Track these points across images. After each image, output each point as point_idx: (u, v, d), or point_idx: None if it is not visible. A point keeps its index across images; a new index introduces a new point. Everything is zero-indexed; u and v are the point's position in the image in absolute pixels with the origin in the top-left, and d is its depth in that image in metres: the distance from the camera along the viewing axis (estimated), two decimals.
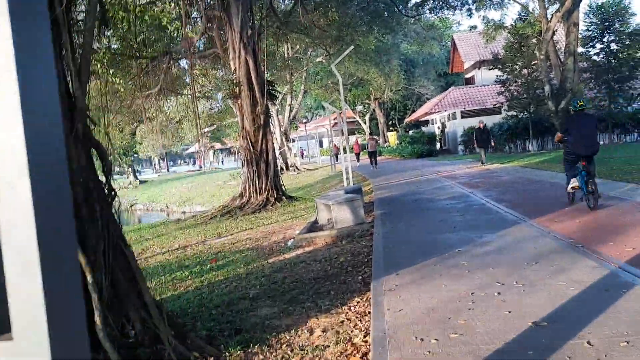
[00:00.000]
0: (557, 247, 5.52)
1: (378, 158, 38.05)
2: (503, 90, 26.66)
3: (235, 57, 15.99)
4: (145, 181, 53.19)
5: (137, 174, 67.17)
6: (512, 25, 25.63)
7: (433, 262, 5.28)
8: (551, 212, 7.63)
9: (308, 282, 5.56)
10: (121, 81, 19.29)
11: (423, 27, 27.44)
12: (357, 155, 31.85)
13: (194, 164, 74.33)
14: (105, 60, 17.67)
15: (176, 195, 36.58)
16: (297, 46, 30.80)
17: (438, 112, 35.07)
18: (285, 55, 28.77)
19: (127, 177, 52.76)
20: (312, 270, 6.13)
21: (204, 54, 20.84)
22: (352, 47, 14.76)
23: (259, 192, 15.84)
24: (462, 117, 33.40)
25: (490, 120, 31.15)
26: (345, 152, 14.78)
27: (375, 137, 33.17)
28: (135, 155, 52.45)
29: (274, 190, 15.97)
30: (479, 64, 37.37)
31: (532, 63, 25.41)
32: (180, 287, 6.69)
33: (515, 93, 25.83)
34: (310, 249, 7.83)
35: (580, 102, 8.16)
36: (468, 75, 40.70)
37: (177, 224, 15.12)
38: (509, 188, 11.75)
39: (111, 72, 16.92)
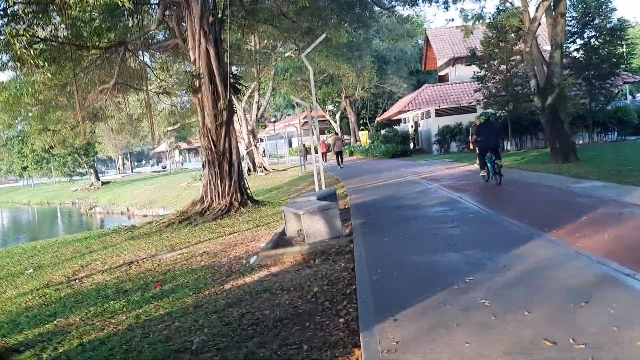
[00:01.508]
0: (602, 275, 4.25)
1: (350, 158, 37.01)
2: (480, 87, 25.73)
3: (194, 46, 14.43)
4: (108, 182, 50.76)
5: (100, 174, 64.48)
6: (491, 18, 24.67)
7: (441, 300, 3.92)
8: (567, 223, 6.39)
9: (272, 326, 4.13)
10: (69, 74, 17.53)
11: (398, 20, 26.23)
12: (324, 154, 30.49)
13: (158, 164, 71.81)
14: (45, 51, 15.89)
15: (138, 198, 34.62)
16: (265, 40, 29.28)
17: (411, 110, 34.03)
18: (253, 49, 27.19)
19: (89, 178, 50.27)
20: (277, 304, 4.70)
21: (163, 45, 19.14)
22: (324, 35, 13.35)
23: (222, 197, 14.31)
24: (436, 116, 32.43)
25: (465, 119, 30.31)
26: (316, 152, 13.41)
27: (340, 136, 31.96)
28: (97, 155, 49.89)
29: (238, 194, 14.47)
30: (454, 61, 36.50)
31: (511, 59, 24.54)
32: (109, 325, 5.18)
33: (494, 90, 24.92)
34: (277, 269, 6.41)
35: (487, 116, 12.80)
36: (442, 73, 39.83)
37: (130, 232, 13.47)
38: (502, 192, 10.55)
39: (46, 64, 15.11)
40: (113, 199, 37.50)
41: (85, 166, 48.76)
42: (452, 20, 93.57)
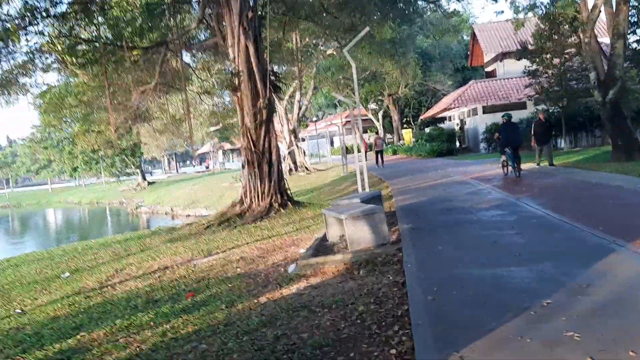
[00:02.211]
0: None
1: (394, 157, 36.11)
2: (532, 82, 24.41)
3: (234, 43, 14.02)
4: (154, 182, 51.54)
5: (147, 174, 65.73)
6: (544, 8, 23.37)
7: (516, 330, 3.22)
8: None
9: (310, 355, 3.53)
10: (111, 75, 17.50)
11: (443, 14, 25.20)
12: (365, 153, 29.64)
13: (201, 164, 72.63)
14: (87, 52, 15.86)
15: (182, 198, 34.82)
16: (307, 39, 28.79)
17: (457, 107, 32.83)
18: (294, 47, 26.73)
19: (136, 179, 51.24)
20: (317, 326, 4.10)
21: (203, 44, 18.90)
22: (367, 29, 12.67)
23: (261, 198, 13.84)
24: (483, 113, 31.17)
25: (515, 116, 28.91)
26: (358, 151, 12.74)
27: (380, 135, 31.31)
28: (142, 156, 50.69)
29: (278, 196, 13.97)
30: (502, 56, 35.06)
31: (565, 52, 23.17)
32: (134, 343, 4.70)
33: (546, 85, 23.59)
34: (317, 280, 5.81)
35: (508, 117, 14.52)
36: (489, 69, 38.38)
37: (169, 234, 13.18)
38: (564, 193, 9.63)
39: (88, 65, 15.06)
40: (158, 198, 37.91)
41: (132, 167, 49.67)
42: (502, 12, 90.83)
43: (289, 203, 14.19)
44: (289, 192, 14.79)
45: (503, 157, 14.23)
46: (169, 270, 8.01)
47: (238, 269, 7.31)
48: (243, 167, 14.50)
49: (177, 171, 72.21)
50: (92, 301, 6.62)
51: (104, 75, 16.77)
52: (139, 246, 11.59)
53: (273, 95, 15.63)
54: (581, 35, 16.41)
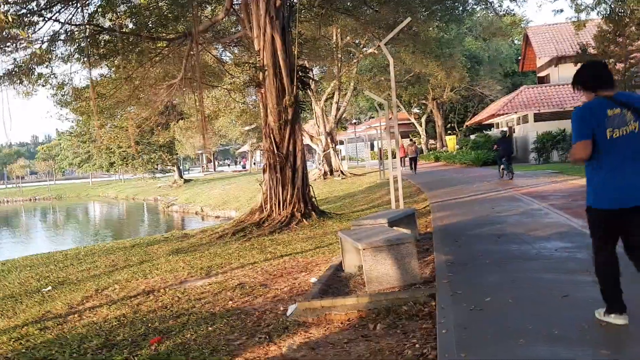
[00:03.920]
0: None
1: (436, 164, 34.17)
2: None
3: (259, 34, 12.69)
4: (190, 180, 51.11)
5: (185, 172, 65.65)
6: (607, 8, 21.19)
7: None
8: None
9: None
10: (135, 67, 16.50)
11: (495, 12, 23.23)
12: (402, 159, 28.13)
13: (236, 163, 72.06)
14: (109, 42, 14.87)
15: (213, 198, 33.94)
16: (348, 37, 27.31)
17: (506, 114, 30.65)
18: (333, 45, 25.29)
19: (172, 176, 50.96)
20: None
21: (233, 37, 17.71)
22: (408, 19, 11.08)
23: (282, 206, 12.45)
24: (535, 121, 28.92)
25: (569, 125, 26.61)
26: (393, 157, 11.19)
27: (414, 142, 29.91)
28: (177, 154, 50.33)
29: (302, 204, 12.54)
30: (556, 61, 32.62)
31: (630, 56, 20.93)
32: None
33: None
34: (319, 334, 4.33)
35: (503, 134, 19.35)
36: (542, 74, 35.91)
37: (179, 242, 11.96)
38: None
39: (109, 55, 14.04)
40: (190, 197, 37.19)
41: (169, 164, 49.34)
42: (561, 11, 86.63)
43: (313, 213, 12.74)
44: (314, 200, 13.34)
45: (501, 167, 17.59)
46: (154, 295, 6.67)
47: (230, 302, 5.89)
48: (264, 171, 13.14)
49: (215, 169, 71.93)
50: (43, 337, 5.33)
51: (125, 67, 15.81)
52: (141, 256, 10.37)
53: (303, 92, 14.29)
54: None
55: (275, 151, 12.57)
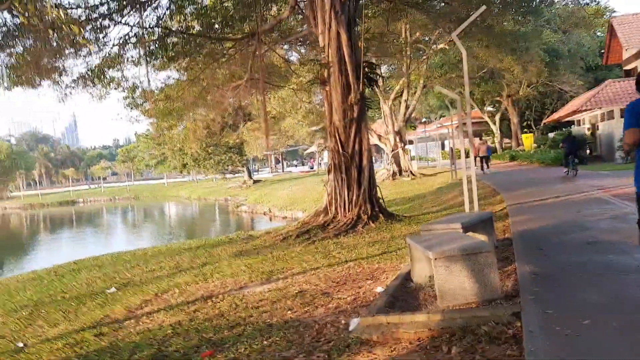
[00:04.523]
0: None
1: (511, 163, 32.48)
2: None
3: (324, 30, 12.28)
4: (259, 181, 51.82)
5: (255, 173, 66.76)
6: None
7: None
8: None
9: None
10: (203, 69, 16.64)
11: (578, 1, 21.59)
12: (475, 158, 26.94)
13: (303, 164, 72.31)
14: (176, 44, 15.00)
15: (281, 198, 34.04)
16: (417, 33, 26.44)
17: (589, 110, 28.58)
18: (402, 40, 24.53)
19: (243, 177, 51.88)
20: None
21: (299, 36, 17.44)
22: (483, 7, 10.27)
23: (348, 208, 11.97)
24: (621, 117, 26.71)
25: None
26: (467, 156, 10.42)
27: (484, 141, 28.52)
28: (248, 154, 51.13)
29: (368, 206, 12.00)
30: None
31: None
32: None
33: None
34: (385, 355, 3.82)
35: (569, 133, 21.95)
36: (629, 67, 33.21)
37: (244, 244, 11.79)
38: None
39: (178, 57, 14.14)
40: (259, 198, 37.53)
41: (239, 164, 50.22)
42: None
43: (381, 215, 12.17)
44: (381, 202, 12.77)
45: (565, 169, 18.57)
46: (211, 301, 6.40)
47: (289, 312, 5.49)
48: (329, 171, 12.72)
49: (283, 170, 72.66)
50: (97, 344, 5.16)
51: (192, 68, 15.93)
52: (205, 258, 10.25)
53: (371, 89, 13.76)
54: None
55: (341, 151, 12.12)
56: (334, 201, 12.31)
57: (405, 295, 5.15)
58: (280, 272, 7.75)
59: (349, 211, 11.98)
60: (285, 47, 21.00)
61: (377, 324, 4.26)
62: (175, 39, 15.49)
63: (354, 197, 12.06)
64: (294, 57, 22.02)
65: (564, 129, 36.28)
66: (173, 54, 15.57)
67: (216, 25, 15.82)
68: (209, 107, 18.45)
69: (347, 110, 12.11)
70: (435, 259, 4.44)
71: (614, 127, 26.62)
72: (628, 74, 33.12)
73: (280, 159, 78.68)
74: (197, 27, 15.73)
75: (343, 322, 4.86)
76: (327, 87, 12.38)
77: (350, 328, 4.53)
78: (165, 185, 69.64)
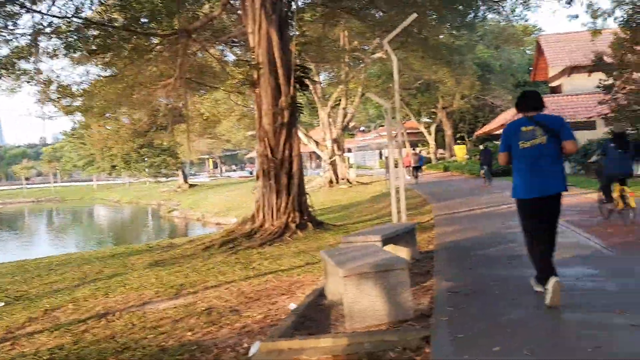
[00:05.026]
0: None
1: (444, 174, 33.09)
2: (607, 99, 21.08)
3: (254, 30, 11.82)
4: (196, 185, 50.32)
5: (192, 177, 64.87)
6: (625, 15, 20.16)
7: None
8: None
9: None
10: (127, 65, 15.69)
11: (507, 17, 22.26)
12: (407, 168, 27.36)
13: (242, 169, 71.32)
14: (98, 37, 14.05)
15: (217, 204, 33.11)
16: (355, 42, 26.48)
17: None
18: (340, 47, 24.42)
19: (178, 180, 50.12)
20: None
21: (231, 35, 16.87)
22: (414, 15, 10.15)
23: (276, 216, 11.51)
24: None
25: (582, 136, 25.41)
26: (395, 166, 10.24)
27: (416, 151, 29.04)
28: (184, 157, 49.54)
29: (297, 214, 11.59)
30: (569, 70, 31.59)
31: None
32: None
33: (625, 102, 20.25)
34: None
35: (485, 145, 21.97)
36: (554, 84, 34.82)
37: (162, 253, 11.07)
38: None
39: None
40: (193, 203, 36.38)
41: (173, 168, 48.54)
42: (577, 17, 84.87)
43: (310, 224, 11.78)
44: (310, 210, 12.39)
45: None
46: (106, 319, 5.75)
47: (189, 333, 4.95)
48: (257, 177, 12.23)
49: (221, 175, 71.20)
50: None
51: (115, 64, 15.03)
52: (116, 268, 9.47)
53: (303, 94, 13.40)
54: None
55: (270, 156, 11.66)
56: (261, 208, 11.81)
57: (316, 314, 4.74)
58: (192, 286, 7.17)
59: (277, 219, 11.52)
60: (222, 47, 20.34)
61: (278, 350, 3.82)
62: (95, 32, 14.53)
63: (283, 205, 11.61)
64: (231, 58, 21.36)
65: (494, 142, 37.48)
66: (94, 48, 14.59)
67: (142, 20, 14.99)
68: (134, 106, 17.45)
69: (278, 114, 11.68)
70: (345, 276, 4.06)
71: None
72: (553, 90, 34.66)
73: (218, 163, 77.12)
74: (122, 20, 14.85)
75: (245, 345, 4.38)
76: (257, 89, 11.92)
77: (250, 353, 4.06)
78: (95, 188, 66.48)
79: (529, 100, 4.59)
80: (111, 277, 8.46)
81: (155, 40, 15.57)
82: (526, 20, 25.25)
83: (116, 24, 14.48)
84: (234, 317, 5.37)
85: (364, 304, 4.05)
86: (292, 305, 5.46)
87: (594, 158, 9.66)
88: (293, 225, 11.41)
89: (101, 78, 16.01)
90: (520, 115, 4.55)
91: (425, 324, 4.00)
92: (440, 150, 47.05)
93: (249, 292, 6.44)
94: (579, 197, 12.88)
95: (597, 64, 21.40)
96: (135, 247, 12.83)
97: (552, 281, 4.03)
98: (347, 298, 4.08)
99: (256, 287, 6.67)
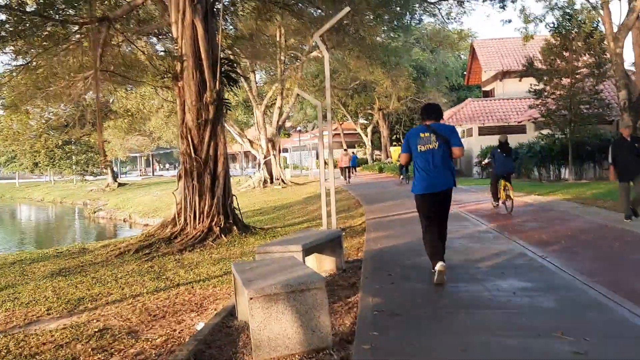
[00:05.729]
0: None
1: (379, 175, 33.18)
2: (537, 104, 21.63)
3: (177, 19, 10.97)
4: (125, 184, 48.05)
5: (123, 175, 62.04)
6: (555, 22, 20.76)
7: None
8: None
9: None
10: (41, 54, 14.36)
11: (443, 19, 22.39)
12: (342, 169, 27.17)
13: (175, 168, 69.09)
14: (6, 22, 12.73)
15: (145, 204, 31.51)
16: (292, 39, 25.91)
17: None
18: (276, 44, 23.76)
19: (106, 179, 47.61)
20: None
21: (154, 25, 15.83)
22: (347, 9, 9.68)
23: (199, 219, 10.72)
24: (479, 134, 28.39)
25: (514, 140, 26.08)
26: (325, 167, 9.72)
27: (348, 152, 28.90)
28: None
29: (222, 217, 10.84)
30: (502, 75, 32.48)
31: (577, 72, 20.43)
32: None
33: (554, 107, 20.80)
34: None
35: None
36: (487, 88, 35.73)
37: (70, 259, 10.01)
38: (609, 245, 6.64)
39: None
40: (120, 203, 34.57)
41: (101, 166, 46.13)
42: (510, 21, 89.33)
43: (235, 228, 11.07)
44: (237, 212, 11.67)
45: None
46: None
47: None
48: (179, 178, 11.38)
49: (153, 173, 68.62)
50: None
51: (27, 52, 13.72)
52: (12, 278, 8.39)
53: (229, 89, 12.64)
54: (611, 45, 13.55)
55: (193, 154, 10.86)
56: (183, 211, 10.99)
57: (222, 339, 4.09)
58: (92, 300, 6.31)
59: (199, 222, 10.73)
60: (152, 40, 19.17)
61: None
62: (4, 16, 13.16)
63: (206, 207, 10.84)
64: (162, 50, 20.20)
65: None
66: (4, 34, 13.21)
67: (58, 5, 13.73)
68: (50, 99, 16.03)
69: (202, 110, 10.90)
70: (251, 298, 3.44)
71: (473, 144, 28.13)
72: (486, 94, 35.56)
73: (151, 162, 74.34)
74: (34, 5, 13.55)
75: None
76: (180, 83, 11.07)
77: None
78: (17, 186, 62.25)
79: (430, 111, 5.35)
80: (3, 290, 7.42)
81: (74, 29, 14.35)
82: (461, 24, 25.59)
83: (27, 9, 13.21)
84: (130, 341, 4.61)
85: (274, 330, 3.44)
86: (200, 325, 4.79)
87: (486, 160, 12.80)
88: (217, 229, 10.67)
89: (12, 67, 14.59)
90: (423, 123, 5.32)
91: (344, 354, 3.44)
92: (377, 152, 47.37)
93: (154, 308, 5.69)
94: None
95: (528, 69, 21.90)
96: (42, 253, 11.61)
97: (439, 265, 5.03)
98: (254, 323, 3.45)
99: (164, 302, 5.93)
